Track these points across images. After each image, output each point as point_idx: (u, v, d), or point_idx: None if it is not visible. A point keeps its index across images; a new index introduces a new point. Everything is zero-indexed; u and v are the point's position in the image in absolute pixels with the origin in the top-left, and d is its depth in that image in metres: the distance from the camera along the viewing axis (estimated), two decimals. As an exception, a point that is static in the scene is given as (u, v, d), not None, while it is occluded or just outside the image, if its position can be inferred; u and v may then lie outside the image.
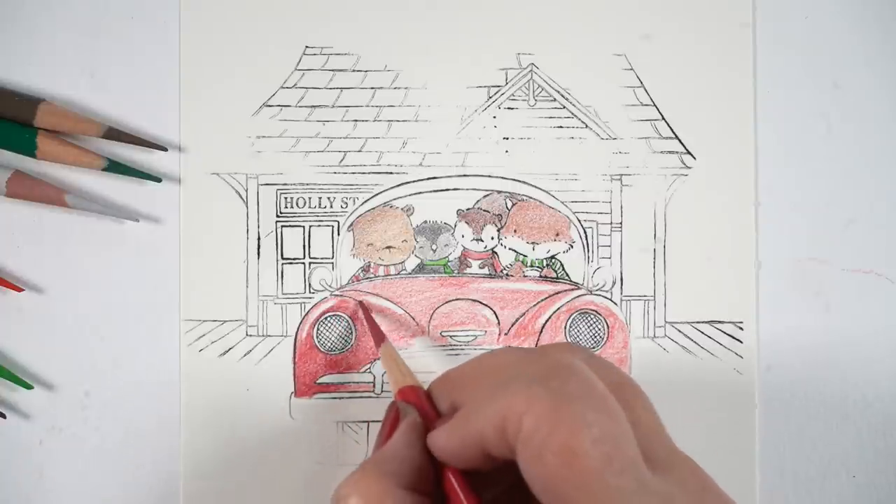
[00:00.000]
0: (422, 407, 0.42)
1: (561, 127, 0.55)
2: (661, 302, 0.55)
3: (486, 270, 0.55)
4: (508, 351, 0.40)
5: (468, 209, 0.55)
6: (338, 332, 0.54)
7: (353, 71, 0.55)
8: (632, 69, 0.55)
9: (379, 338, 0.51)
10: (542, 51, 0.55)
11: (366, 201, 0.55)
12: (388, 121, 0.55)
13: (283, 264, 0.55)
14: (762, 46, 0.55)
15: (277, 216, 0.55)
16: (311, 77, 0.55)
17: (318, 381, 0.54)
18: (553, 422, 0.34)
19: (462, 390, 0.40)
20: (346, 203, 0.55)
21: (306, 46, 0.55)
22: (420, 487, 0.38)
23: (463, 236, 0.55)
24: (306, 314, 0.54)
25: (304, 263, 0.55)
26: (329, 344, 0.54)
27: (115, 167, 0.53)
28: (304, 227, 0.55)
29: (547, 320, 0.55)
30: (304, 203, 0.55)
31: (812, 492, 0.55)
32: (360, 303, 0.54)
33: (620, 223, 0.55)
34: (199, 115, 0.54)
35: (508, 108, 0.55)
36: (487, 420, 0.36)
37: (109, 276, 0.54)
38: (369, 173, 0.55)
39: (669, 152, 0.55)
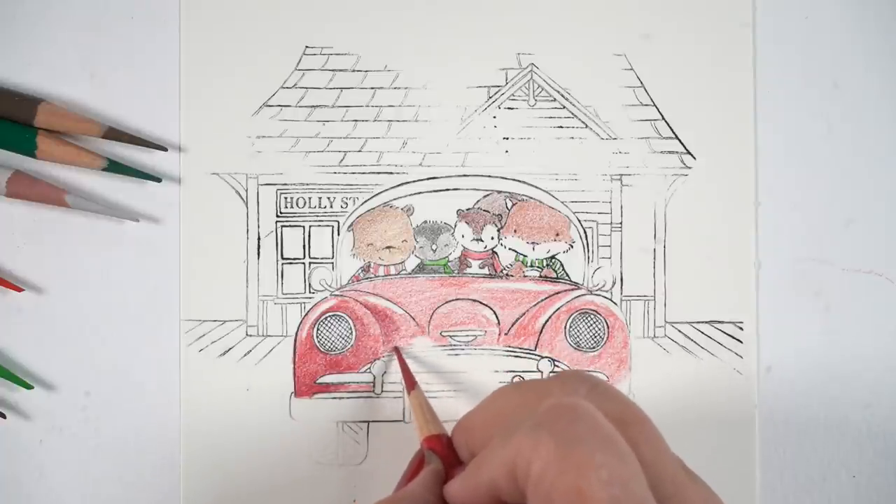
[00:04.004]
0: (445, 456, 0.42)
1: (561, 127, 0.55)
2: (661, 302, 0.55)
3: (486, 270, 0.55)
4: (514, 389, 0.40)
5: (468, 209, 0.55)
6: (338, 332, 0.54)
7: (353, 71, 0.55)
8: (632, 69, 0.55)
9: (410, 384, 0.51)
10: (542, 51, 0.55)
11: (366, 201, 0.55)
12: (388, 121, 0.55)
13: (283, 264, 0.55)
14: (762, 46, 0.55)
15: (277, 216, 0.55)
16: (311, 77, 0.55)
17: (318, 381, 0.54)
18: (561, 465, 0.34)
19: (475, 438, 0.41)
20: (346, 203, 0.55)
21: (306, 46, 0.55)
22: None
23: (463, 236, 0.55)
24: (306, 314, 0.54)
25: (304, 263, 0.55)
26: (329, 344, 0.54)
27: (115, 167, 0.53)
28: (304, 227, 0.55)
29: (547, 320, 0.55)
30: (304, 203, 0.55)
31: (812, 492, 0.55)
32: (396, 348, 0.54)
33: (620, 223, 0.55)
34: (199, 115, 0.54)
35: (508, 108, 0.55)
36: (497, 468, 0.36)
37: (109, 276, 0.54)
38: (369, 173, 0.55)
39: (669, 152, 0.55)
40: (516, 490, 0.36)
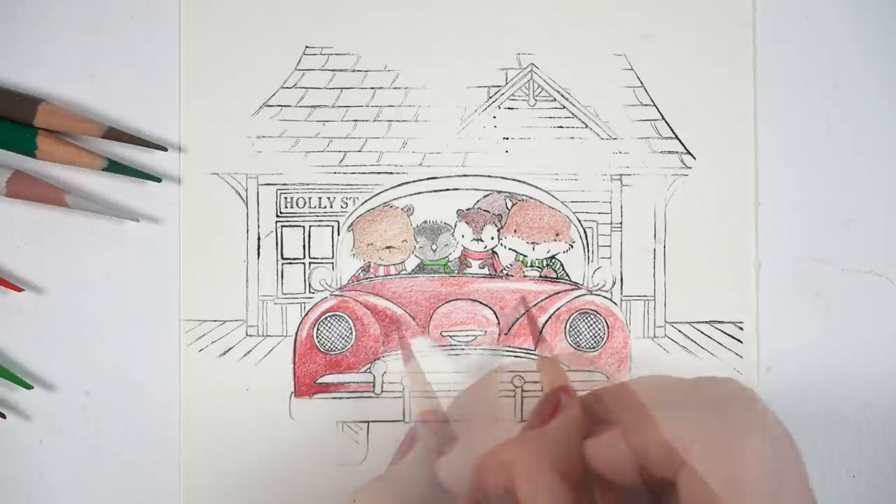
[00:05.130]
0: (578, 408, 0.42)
1: (561, 127, 0.55)
2: (661, 302, 0.55)
3: (486, 270, 0.55)
4: (664, 377, 0.40)
5: (468, 209, 0.55)
6: (338, 332, 0.54)
7: (353, 71, 0.55)
8: (632, 69, 0.55)
9: (538, 339, 0.50)
10: (542, 51, 0.55)
11: (366, 201, 0.55)
12: (388, 121, 0.55)
13: (283, 264, 0.55)
14: (762, 46, 0.55)
15: (277, 216, 0.55)
16: (311, 77, 0.55)
17: (318, 381, 0.54)
18: (724, 450, 0.34)
19: (617, 407, 0.40)
20: (346, 203, 0.55)
21: (306, 46, 0.55)
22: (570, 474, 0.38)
23: (463, 236, 0.55)
24: (306, 314, 0.54)
25: (304, 263, 0.55)
26: (329, 344, 0.54)
27: (115, 167, 0.53)
28: (304, 227, 0.55)
29: (547, 320, 0.55)
30: (304, 203, 0.55)
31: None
32: (523, 299, 0.54)
33: (620, 223, 0.55)
34: (199, 115, 0.54)
35: (508, 108, 0.55)
36: (654, 438, 0.36)
37: (109, 276, 0.54)
38: (369, 173, 0.55)
39: (669, 152, 0.55)
40: (668, 465, 0.35)
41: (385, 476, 0.39)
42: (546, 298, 0.55)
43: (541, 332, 0.52)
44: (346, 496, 0.54)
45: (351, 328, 0.54)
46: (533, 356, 0.55)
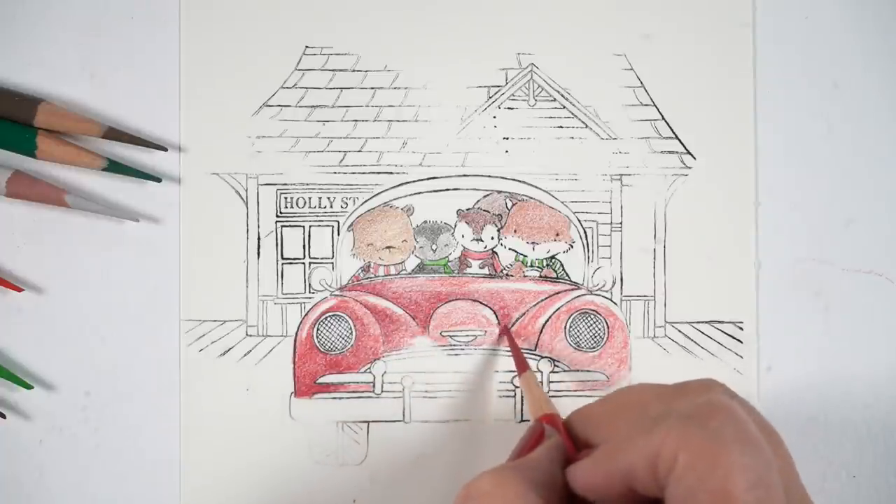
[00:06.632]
0: (562, 436, 0.42)
1: (561, 127, 0.55)
2: (661, 302, 0.55)
3: (486, 270, 0.55)
4: (644, 387, 0.40)
5: (468, 209, 0.55)
6: (338, 332, 0.54)
7: (353, 71, 0.55)
8: (632, 69, 0.55)
9: (523, 366, 0.50)
10: (542, 51, 0.55)
11: (366, 201, 0.55)
12: (388, 121, 0.55)
13: (283, 264, 0.55)
14: (762, 46, 0.55)
15: (277, 216, 0.55)
16: (311, 77, 0.55)
17: (317, 381, 0.54)
18: (709, 462, 0.34)
19: (600, 427, 0.40)
20: (346, 203, 0.55)
21: (306, 46, 0.55)
22: (553, 502, 0.38)
23: (463, 236, 0.55)
24: (306, 314, 0.54)
25: (304, 263, 0.55)
26: (329, 344, 0.54)
27: (115, 167, 0.53)
28: (304, 227, 0.55)
29: (547, 320, 0.55)
30: (304, 203, 0.55)
31: (812, 492, 0.54)
32: (505, 327, 0.54)
33: (620, 223, 0.55)
34: (199, 115, 0.54)
35: (508, 108, 0.55)
36: (638, 455, 0.36)
37: (109, 276, 0.54)
38: (369, 173, 0.55)
39: (669, 152, 0.55)
40: (653, 480, 0.35)
41: (516, 464, 0.39)
42: (546, 298, 0.55)
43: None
44: (346, 496, 0.54)
45: (351, 328, 0.54)
46: (534, 356, 0.55)
